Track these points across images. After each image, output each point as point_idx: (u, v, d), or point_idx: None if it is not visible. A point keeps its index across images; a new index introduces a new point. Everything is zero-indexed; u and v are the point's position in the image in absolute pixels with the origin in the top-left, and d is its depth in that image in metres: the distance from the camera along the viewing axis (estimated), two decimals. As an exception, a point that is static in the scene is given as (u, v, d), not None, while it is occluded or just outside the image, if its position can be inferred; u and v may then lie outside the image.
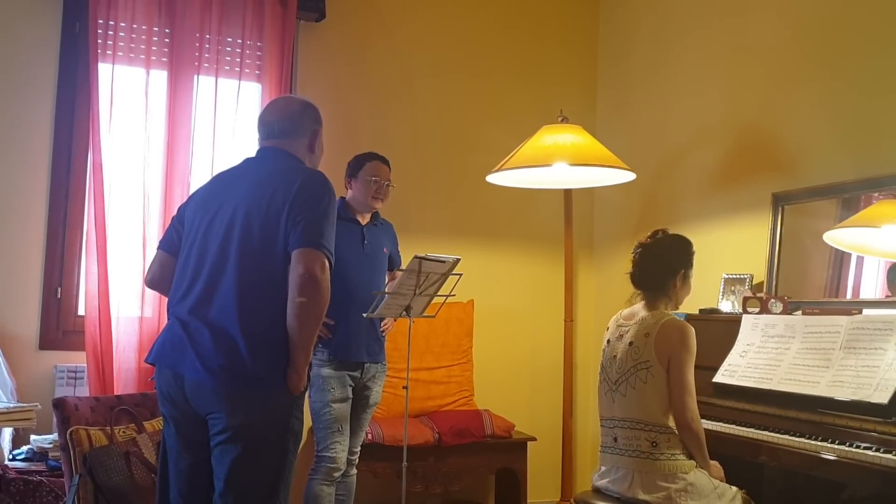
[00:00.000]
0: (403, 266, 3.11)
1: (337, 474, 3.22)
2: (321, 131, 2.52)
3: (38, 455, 3.35)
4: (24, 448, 3.39)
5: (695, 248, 2.81)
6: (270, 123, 2.47)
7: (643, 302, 2.76)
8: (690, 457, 2.60)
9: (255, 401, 2.20)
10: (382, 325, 3.39)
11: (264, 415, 2.21)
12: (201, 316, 2.26)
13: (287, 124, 2.45)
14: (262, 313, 2.21)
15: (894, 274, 3.08)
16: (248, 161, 2.49)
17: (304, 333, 2.20)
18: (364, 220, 3.40)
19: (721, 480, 2.63)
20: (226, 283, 2.25)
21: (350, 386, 3.27)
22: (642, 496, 2.55)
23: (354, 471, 3.37)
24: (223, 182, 2.46)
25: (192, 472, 2.30)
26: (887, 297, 3.07)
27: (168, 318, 2.37)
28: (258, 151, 2.49)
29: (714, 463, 2.65)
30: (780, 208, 3.54)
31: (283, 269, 2.22)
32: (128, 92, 3.83)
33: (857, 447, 2.48)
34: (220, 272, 2.27)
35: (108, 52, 3.78)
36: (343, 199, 3.40)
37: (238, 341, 2.18)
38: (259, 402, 2.21)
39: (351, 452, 3.32)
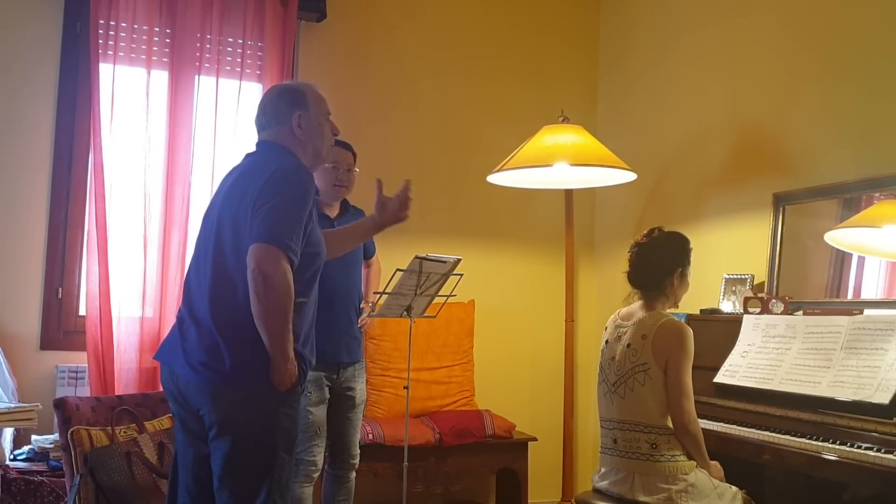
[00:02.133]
0: (404, 266, 3.10)
1: (316, 474, 3.16)
2: (307, 114, 2.40)
3: (39, 455, 3.35)
4: (26, 448, 3.40)
5: (696, 248, 2.80)
6: (256, 117, 2.47)
7: (641, 301, 2.75)
8: (691, 457, 2.60)
9: (236, 397, 2.20)
10: (360, 321, 3.29)
11: (247, 411, 2.20)
12: (192, 314, 2.29)
13: (262, 117, 2.44)
14: (236, 311, 2.20)
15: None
16: (245, 156, 2.48)
17: (269, 332, 2.15)
18: (333, 212, 3.26)
19: (721, 480, 2.63)
20: (206, 282, 2.27)
21: (327, 386, 3.16)
22: (643, 498, 2.55)
23: (354, 474, 3.31)
24: (223, 180, 2.46)
25: (197, 466, 2.30)
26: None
27: None
28: (255, 145, 2.48)
29: (714, 463, 2.65)
30: (781, 208, 3.53)
31: None
32: (129, 92, 3.84)
33: (858, 447, 2.47)
34: (205, 271, 2.29)
35: (109, 53, 3.78)
36: None
37: (218, 339, 2.20)
38: (241, 399, 2.20)
39: (351, 456, 3.27)
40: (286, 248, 2.16)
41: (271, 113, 2.42)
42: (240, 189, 2.28)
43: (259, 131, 2.46)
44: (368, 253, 3.43)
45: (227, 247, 2.25)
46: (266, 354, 2.18)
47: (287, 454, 2.27)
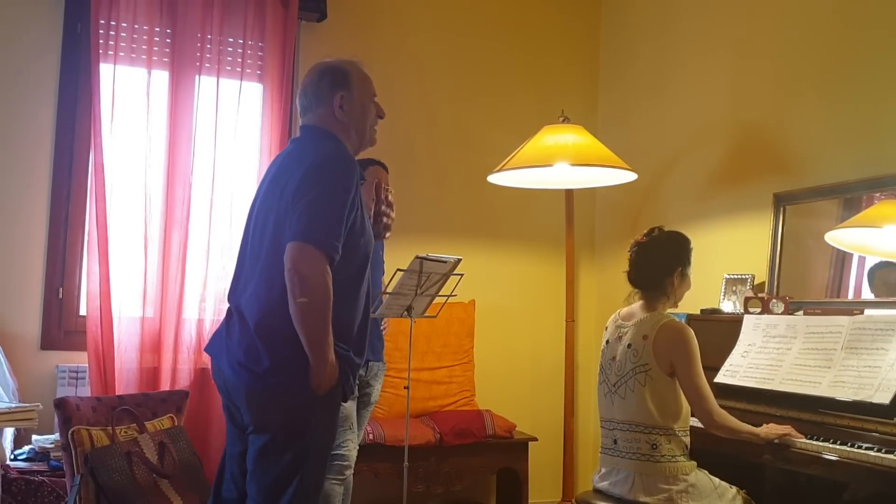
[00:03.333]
0: (404, 266, 3.11)
1: (348, 472, 3.20)
2: (350, 95, 2.33)
3: (40, 455, 3.35)
4: (26, 448, 3.40)
5: (696, 247, 2.80)
6: (298, 97, 2.40)
7: (641, 302, 2.75)
8: (691, 458, 2.60)
9: (272, 399, 2.18)
10: (383, 324, 3.39)
11: (282, 413, 2.18)
12: (238, 309, 2.26)
13: (304, 99, 2.37)
14: (275, 311, 2.16)
15: (873, 274, 3.09)
16: (290, 141, 2.43)
17: (306, 334, 2.11)
18: None
19: (777, 437, 2.61)
20: (250, 278, 2.25)
21: (357, 384, 3.26)
22: (643, 498, 2.55)
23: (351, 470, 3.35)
24: (269, 168, 2.40)
25: (242, 458, 2.30)
26: (876, 297, 3.07)
27: None
28: (299, 129, 2.42)
29: (764, 428, 2.64)
30: (781, 208, 3.53)
31: None
32: (129, 92, 3.83)
33: (859, 447, 2.47)
34: (250, 266, 2.27)
35: (110, 53, 3.78)
36: None
37: (256, 339, 2.17)
38: (277, 401, 2.18)
39: None
40: (325, 246, 2.10)
41: (312, 95, 2.34)
42: (281, 181, 2.22)
43: (301, 114, 2.39)
44: None
45: (269, 242, 2.21)
46: (302, 356, 2.13)
47: (319, 459, 2.23)
